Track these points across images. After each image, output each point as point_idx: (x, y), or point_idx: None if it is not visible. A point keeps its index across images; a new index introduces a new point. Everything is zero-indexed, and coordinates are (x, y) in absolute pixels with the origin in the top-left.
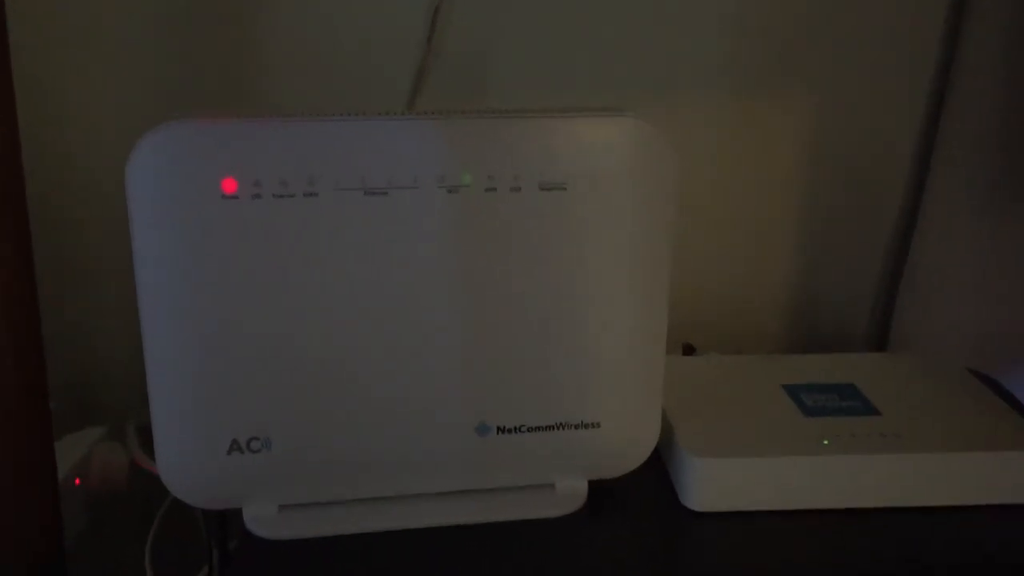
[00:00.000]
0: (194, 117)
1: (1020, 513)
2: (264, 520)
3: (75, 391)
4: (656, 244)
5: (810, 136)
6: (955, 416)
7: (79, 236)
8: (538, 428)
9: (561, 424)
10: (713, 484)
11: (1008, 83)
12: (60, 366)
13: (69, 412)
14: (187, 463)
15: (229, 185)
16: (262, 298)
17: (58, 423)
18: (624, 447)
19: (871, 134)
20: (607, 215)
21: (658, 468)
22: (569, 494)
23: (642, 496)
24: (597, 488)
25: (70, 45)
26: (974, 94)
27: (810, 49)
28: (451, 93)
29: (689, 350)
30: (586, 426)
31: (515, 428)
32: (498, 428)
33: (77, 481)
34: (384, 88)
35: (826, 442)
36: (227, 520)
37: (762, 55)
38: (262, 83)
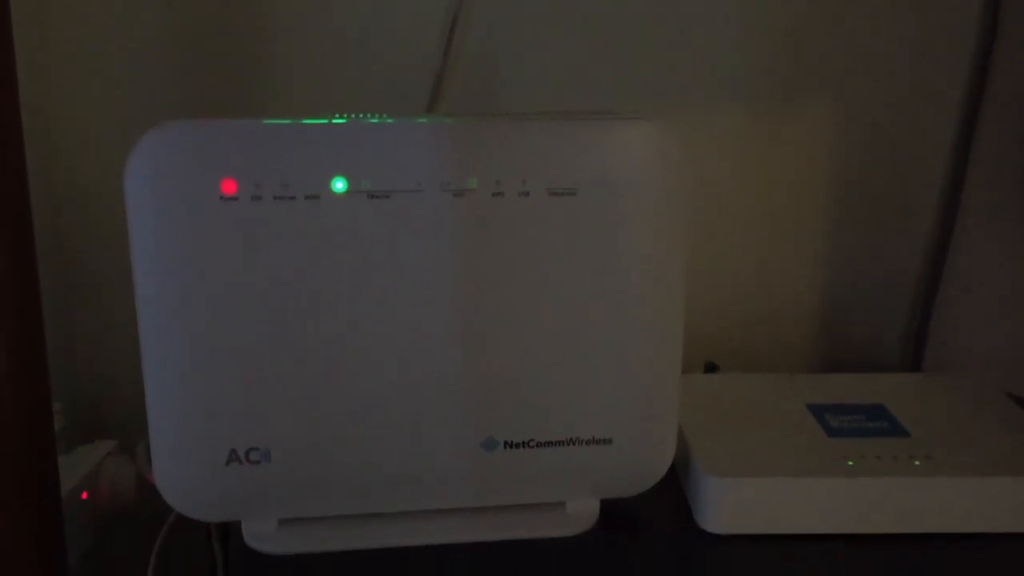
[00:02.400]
0: (195, 117)
1: None
2: (263, 535)
3: (87, 405)
4: (670, 253)
5: (837, 146)
6: (989, 440)
7: (90, 247)
8: (547, 444)
9: (571, 440)
10: (730, 505)
11: None
12: (72, 380)
13: (81, 426)
14: (184, 473)
15: (228, 186)
16: (261, 304)
17: (69, 437)
18: (637, 465)
19: (902, 144)
20: (619, 222)
21: (674, 488)
22: (580, 513)
23: (656, 517)
24: (610, 508)
25: (70, 43)
26: (1008, 110)
27: (837, 56)
28: (468, 100)
29: (711, 368)
30: (597, 442)
31: (523, 443)
32: (505, 443)
33: (84, 495)
34: (401, 96)
35: (850, 463)
36: (232, 535)
37: (786, 62)
38: (272, 90)
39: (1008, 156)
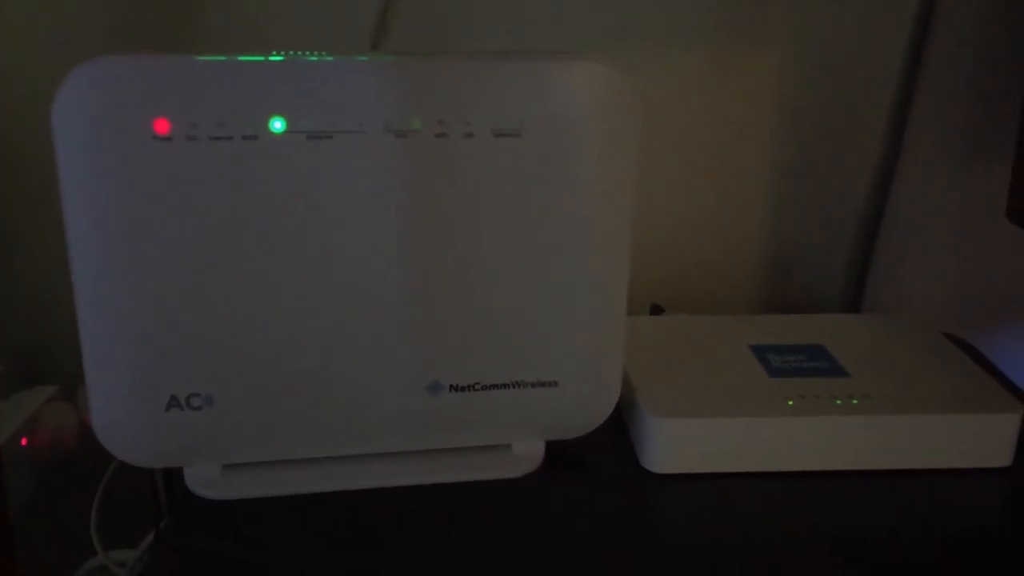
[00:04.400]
0: (126, 52)
1: (988, 477)
2: (207, 480)
3: (26, 351)
4: (616, 194)
5: (782, 87)
6: (925, 378)
7: (24, 188)
8: (492, 386)
9: (517, 382)
10: (673, 445)
11: (986, 38)
12: (10, 326)
13: (20, 372)
14: (124, 420)
15: (161, 126)
16: (198, 247)
17: (7, 384)
18: (583, 406)
19: (847, 85)
20: (564, 163)
21: (619, 430)
22: (526, 455)
23: (601, 458)
24: (555, 449)
25: None
26: (952, 49)
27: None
28: (413, 39)
29: (657, 310)
30: (543, 384)
31: (468, 386)
32: (451, 386)
33: (24, 441)
34: (343, 33)
35: (790, 403)
36: (176, 480)
37: (735, 4)
38: (207, 25)
39: (952, 96)
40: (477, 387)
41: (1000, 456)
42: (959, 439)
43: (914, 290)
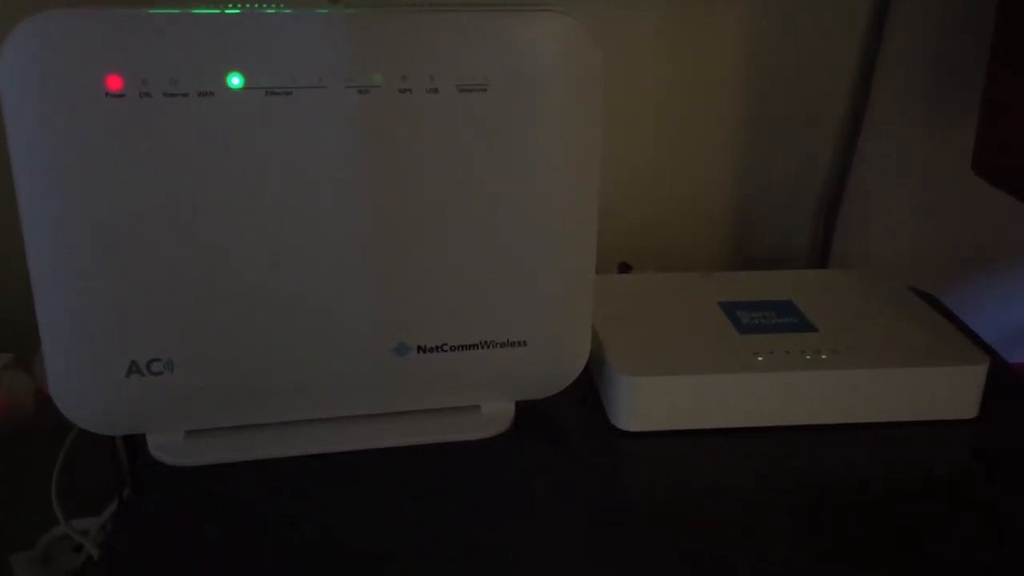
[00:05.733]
0: (76, 5)
1: (954, 429)
2: (170, 447)
3: None
4: (583, 150)
5: (747, 45)
6: (892, 332)
7: None
8: (461, 347)
9: (485, 343)
10: (643, 403)
11: None
12: None
13: None
14: (82, 387)
15: (114, 82)
16: (155, 209)
17: None
18: (552, 366)
19: (814, 45)
20: (531, 118)
21: (589, 388)
22: (495, 415)
23: (571, 417)
24: (525, 409)
25: None
26: (918, 4)
27: None
28: None
29: (625, 268)
30: (512, 344)
31: (436, 347)
32: (418, 348)
33: None
34: None
35: (760, 359)
36: (138, 447)
37: None
38: None
39: (917, 51)
40: (445, 348)
41: (967, 408)
42: (926, 392)
43: (880, 244)
